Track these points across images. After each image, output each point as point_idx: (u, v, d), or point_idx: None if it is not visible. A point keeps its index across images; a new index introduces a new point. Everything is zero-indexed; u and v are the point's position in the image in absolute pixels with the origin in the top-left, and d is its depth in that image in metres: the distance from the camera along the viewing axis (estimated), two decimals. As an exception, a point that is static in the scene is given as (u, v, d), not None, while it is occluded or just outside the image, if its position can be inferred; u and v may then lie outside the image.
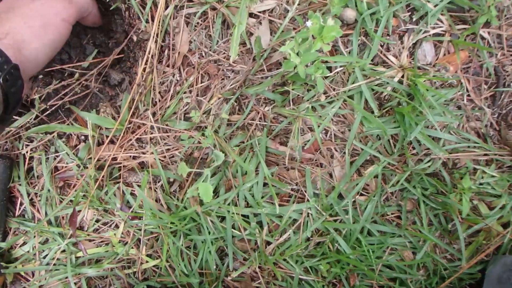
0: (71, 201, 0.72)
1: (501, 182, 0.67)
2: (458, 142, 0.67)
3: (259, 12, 0.64)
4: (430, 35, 0.66)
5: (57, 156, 0.71)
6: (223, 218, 0.70)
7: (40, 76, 0.68)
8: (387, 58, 0.66)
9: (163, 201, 0.69)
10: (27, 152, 0.70)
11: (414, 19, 0.66)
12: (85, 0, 0.59)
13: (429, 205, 0.68)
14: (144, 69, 0.61)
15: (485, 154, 0.68)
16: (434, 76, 0.64)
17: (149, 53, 0.62)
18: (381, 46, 0.66)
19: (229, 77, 0.66)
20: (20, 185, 0.71)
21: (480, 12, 0.64)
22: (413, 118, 0.62)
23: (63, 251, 0.73)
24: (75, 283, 0.73)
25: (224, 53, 0.66)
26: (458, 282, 0.70)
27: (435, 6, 0.64)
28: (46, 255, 0.73)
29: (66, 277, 0.72)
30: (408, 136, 0.63)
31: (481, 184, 0.67)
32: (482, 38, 0.67)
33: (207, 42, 0.66)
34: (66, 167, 0.71)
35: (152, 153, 0.68)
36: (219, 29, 0.65)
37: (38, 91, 0.64)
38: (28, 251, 0.73)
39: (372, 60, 0.67)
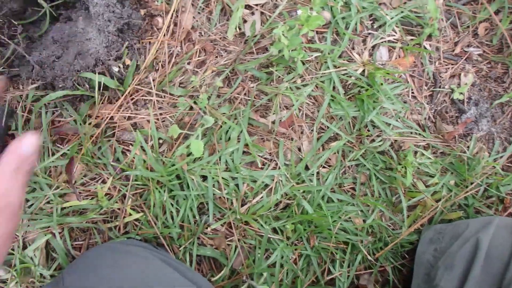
0: (64, 153, 0.77)
1: (435, 165, 0.83)
2: (403, 129, 0.83)
3: (254, 4, 0.77)
4: (386, 41, 0.82)
5: (55, 111, 0.77)
6: (204, 179, 0.79)
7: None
8: (352, 55, 0.81)
9: (153, 159, 0.77)
10: (25, 105, 0.75)
11: (375, 27, 0.82)
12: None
13: (379, 178, 0.82)
14: (160, 43, 0.71)
15: (424, 141, 0.84)
16: (388, 72, 0.80)
17: (167, 27, 0.72)
18: (348, 45, 0.82)
19: (222, 55, 0.78)
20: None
21: (425, 26, 0.82)
22: (371, 103, 0.77)
23: (49, 202, 0.78)
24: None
25: (221, 34, 0.77)
26: (399, 248, 0.84)
27: (392, 18, 0.81)
28: (31, 204, 0.77)
29: (48, 227, 0.76)
30: (366, 118, 0.78)
31: (420, 164, 0.82)
32: (425, 48, 0.85)
33: (206, 24, 0.77)
34: (63, 121, 0.77)
35: (148, 114, 0.77)
36: (218, 15, 0.77)
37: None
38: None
39: (340, 56, 0.82)
